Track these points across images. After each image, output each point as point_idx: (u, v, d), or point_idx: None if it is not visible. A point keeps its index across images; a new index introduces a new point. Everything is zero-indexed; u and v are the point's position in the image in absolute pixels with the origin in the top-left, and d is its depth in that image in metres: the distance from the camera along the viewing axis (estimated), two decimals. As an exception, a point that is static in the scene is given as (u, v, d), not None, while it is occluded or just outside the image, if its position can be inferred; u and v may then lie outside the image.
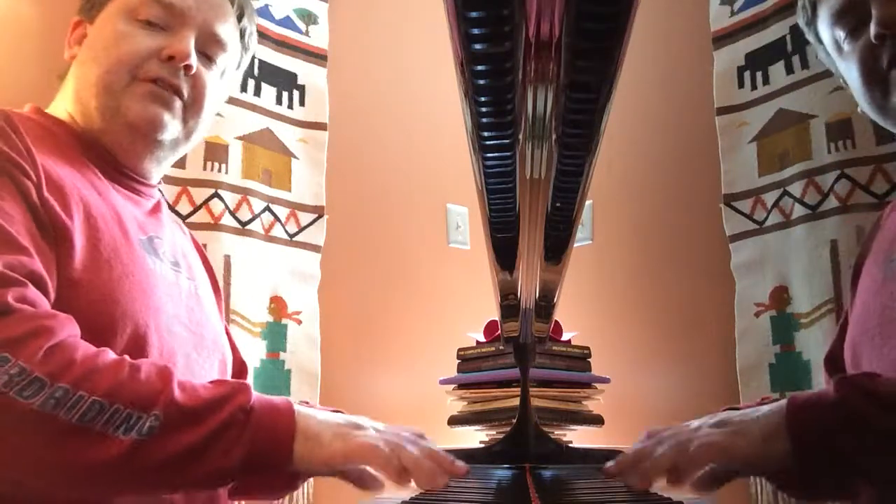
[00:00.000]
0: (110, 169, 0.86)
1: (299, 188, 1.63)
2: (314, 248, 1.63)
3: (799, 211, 1.44)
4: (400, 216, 1.80)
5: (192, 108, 0.89)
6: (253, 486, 0.78)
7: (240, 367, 1.03)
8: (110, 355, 0.64)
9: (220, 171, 1.50)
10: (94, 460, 0.58)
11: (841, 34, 0.91)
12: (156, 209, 0.92)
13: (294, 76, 1.67)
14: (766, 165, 1.53)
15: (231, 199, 1.51)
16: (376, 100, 1.82)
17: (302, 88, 1.67)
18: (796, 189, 1.45)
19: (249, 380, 1.08)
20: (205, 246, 1.24)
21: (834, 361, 1.02)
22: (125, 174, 0.88)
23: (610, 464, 0.74)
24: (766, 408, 0.67)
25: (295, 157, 1.64)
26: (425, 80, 1.84)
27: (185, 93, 0.87)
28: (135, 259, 0.78)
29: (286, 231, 1.60)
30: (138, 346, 0.73)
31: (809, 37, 1.01)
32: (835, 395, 0.63)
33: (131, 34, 0.85)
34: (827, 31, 0.94)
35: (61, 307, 0.67)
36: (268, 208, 1.57)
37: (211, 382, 0.67)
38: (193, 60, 0.87)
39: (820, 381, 1.13)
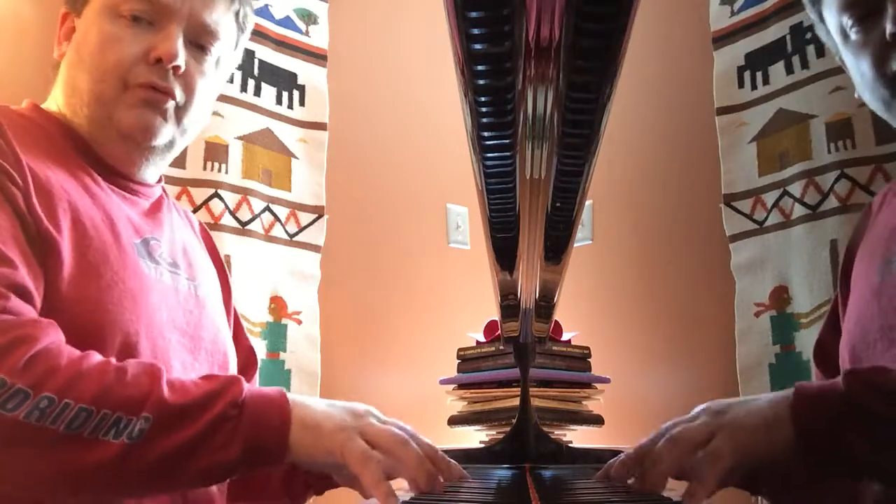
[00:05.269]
0: (104, 171, 0.85)
1: (299, 188, 1.63)
2: (314, 248, 1.63)
3: (799, 211, 1.44)
4: (400, 216, 1.80)
5: (185, 108, 0.87)
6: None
7: (246, 358, 1.01)
8: (96, 358, 0.63)
9: (220, 171, 1.50)
10: (85, 466, 0.58)
11: (849, 22, 0.88)
12: (155, 207, 0.91)
13: (294, 76, 1.67)
14: (766, 165, 1.53)
15: (231, 199, 1.51)
16: (376, 100, 1.82)
17: (302, 88, 1.67)
18: (796, 189, 1.45)
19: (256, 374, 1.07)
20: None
21: (823, 352, 1.00)
22: (120, 175, 0.87)
23: (614, 463, 0.73)
24: (769, 396, 0.65)
25: (295, 157, 1.64)
26: (425, 80, 1.84)
27: (177, 94, 0.85)
28: (126, 264, 0.76)
29: (286, 231, 1.60)
30: (128, 355, 0.72)
31: (812, 14, 0.98)
32: (843, 388, 0.61)
33: (117, 37, 0.82)
34: (833, 16, 0.92)
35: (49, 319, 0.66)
36: (268, 208, 1.57)
37: (202, 378, 0.66)
38: (181, 60, 0.84)
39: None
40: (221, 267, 1.03)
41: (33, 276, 0.67)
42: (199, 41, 0.88)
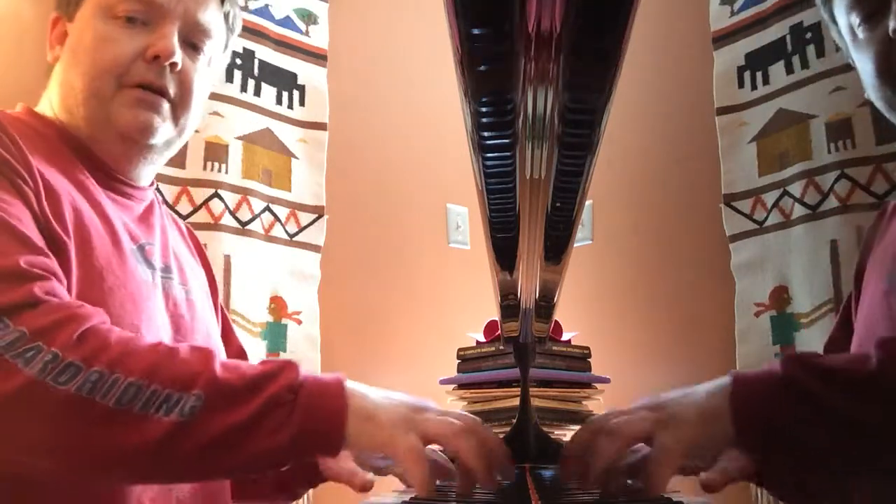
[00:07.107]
0: (100, 174, 0.85)
1: (299, 188, 1.63)
2: (314, 248, 1.63)
3: (799, 211, 1.44)
4: (400, 216, 1.80)
5: (182, 106, 0.87)
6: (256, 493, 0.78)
7: (237, 357, 1.01)
8: (146, 339, 0.63)
9: (220, 171, 1.50)
10: (134, 443, 0.56)
11: (856, 20, 0.88)
12: (148, 212, 0.91)
13: (294, 76, 1.67)
14: (766, 165, 1.53)
15: (231, 199, 1.51)
16: (376, 100, 1.82)
17: (302, 88, 1.67)
18: (796, 189, 1.45)
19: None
20: (205, 245, 1.23)
21: (834, 350, 1.01)
22: (116, 178, 0.87)
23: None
24: (706, 387, 0.63)
25: (295, 157, 1.64)
26: (425, 80, 1.84)
27: (173, 91, 0.85)
28: (126, 269, 0.77)
29: (286, 231, 1.60)
30: None
31: (823, 13, 0.98)
32: (782, 371, 0.60)
33: (112, 36, 0.82)
34: (843, 14, 0.92)
35: None
36: (268, 208, 1.57)
37: (258, 362, 0.64)
38: (178, 57, 0.84)
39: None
40: (208, 267, 1.03)
41: None
42: (193, 40, 0.88)
